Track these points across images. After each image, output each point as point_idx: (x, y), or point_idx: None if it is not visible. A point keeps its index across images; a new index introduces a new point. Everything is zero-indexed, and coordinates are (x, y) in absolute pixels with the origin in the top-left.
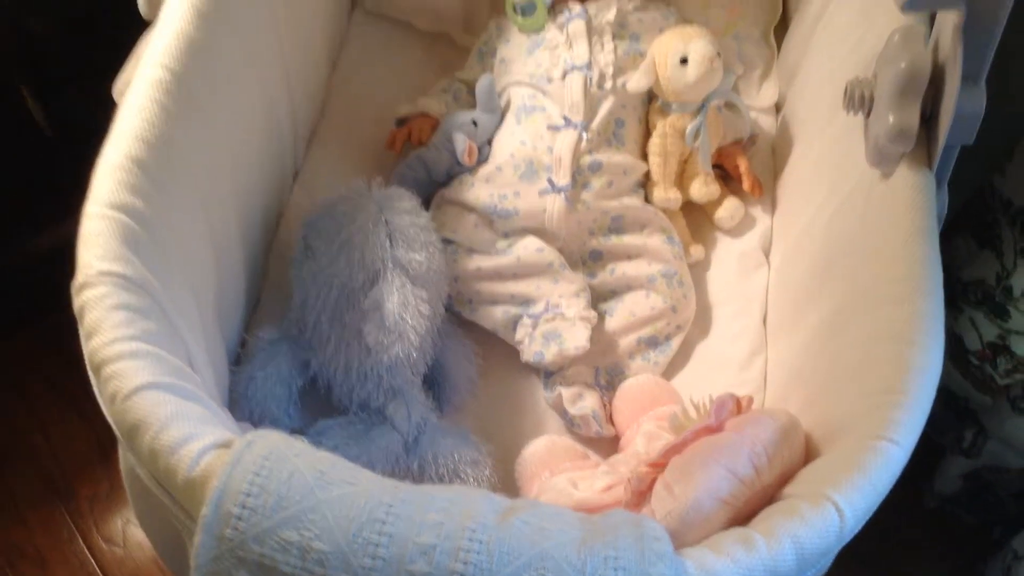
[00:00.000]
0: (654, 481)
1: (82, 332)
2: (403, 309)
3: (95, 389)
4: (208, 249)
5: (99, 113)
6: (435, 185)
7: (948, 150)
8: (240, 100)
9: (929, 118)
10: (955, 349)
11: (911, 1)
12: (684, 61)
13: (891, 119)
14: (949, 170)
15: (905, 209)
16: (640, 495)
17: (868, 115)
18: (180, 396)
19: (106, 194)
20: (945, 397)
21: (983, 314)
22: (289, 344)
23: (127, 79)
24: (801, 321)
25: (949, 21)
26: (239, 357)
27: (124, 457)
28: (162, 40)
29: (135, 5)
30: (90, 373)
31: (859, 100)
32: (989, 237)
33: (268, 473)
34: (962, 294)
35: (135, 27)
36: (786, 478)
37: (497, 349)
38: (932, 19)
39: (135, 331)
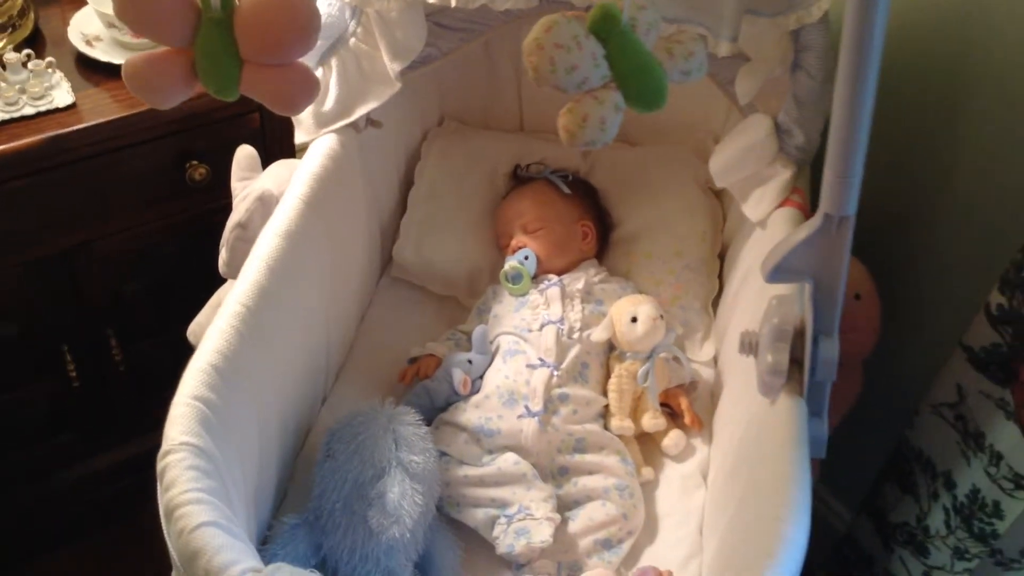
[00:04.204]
0: None
1: (161, 486)
2: (402, 498)
3: (164, 528)
4: (255, 443)
5: (165, 356)
6: (436, 411)
7: (819, 386)
8: (291, 336)
9: (801, 361)
10: None
11: (771, 275)
12: (634, 320)
13: (768, 359)
14: (824, 404)
15: (782, 424)
16: None
17: (756, 357)
18: (229, 534)
19: (190, 388)
20: None
21: (909, 553)
22: (306, 529)
23: (199, 322)
24: (719, 522)
25: (807, 291)
26: (266, 539)
27: None
28: (242, 286)
29: (204, 271)
30: (162, 516)
31: (748, 346)
32: (908, 484)
33: None
34: (892, 536)
35: (202, 289)
36: None
37: (478, 545)
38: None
39: (201, 485)
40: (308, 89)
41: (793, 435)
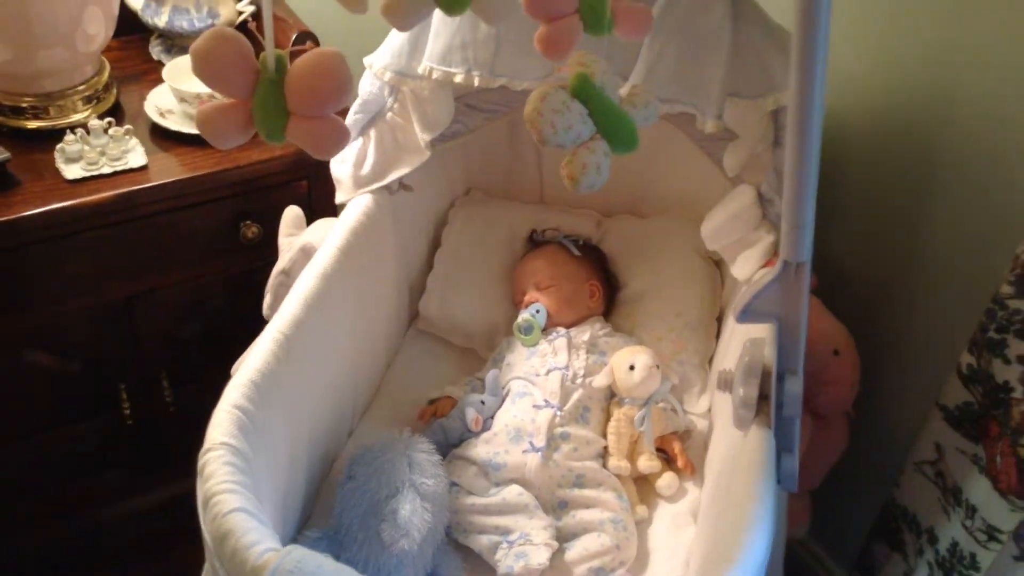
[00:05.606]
0: None
1: (200, 479)
2: (412, 515)
3: (200, 516)
4: (285, 455)
5: (210, 403)
6: (450, 447)
7: (787, 422)
8: (322, 365)
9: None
10: None
11: (740, 317)
12: (632, 368)
13: (740, 393)
14: (794, 440)
15: (750, 452)
16: None
17: (732, 393)
18: (256, 519)
19: (232, 399)
20: None
21: None
22: (327, 543)
23: (242, 360)
24: (698, 548)
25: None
26: None
27: (208, 570)
28: (281, 317)
29: (250, 321)
30: (200, 505)
31: (725, 383)
32: (896, 542)
33: (304, 563)
34: None
35: (248, 337)
36: None
37: (482, 569)
38: None
39: (234, 479)
40: (340, 138)
41: (759, 460)
